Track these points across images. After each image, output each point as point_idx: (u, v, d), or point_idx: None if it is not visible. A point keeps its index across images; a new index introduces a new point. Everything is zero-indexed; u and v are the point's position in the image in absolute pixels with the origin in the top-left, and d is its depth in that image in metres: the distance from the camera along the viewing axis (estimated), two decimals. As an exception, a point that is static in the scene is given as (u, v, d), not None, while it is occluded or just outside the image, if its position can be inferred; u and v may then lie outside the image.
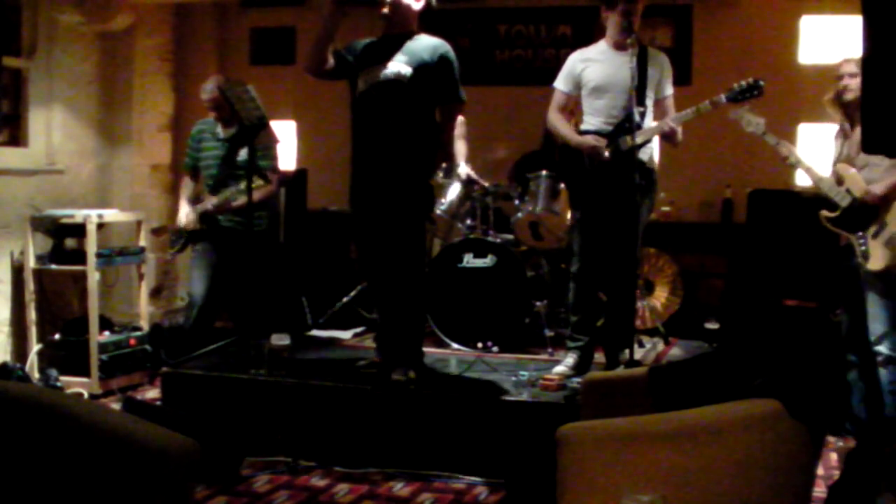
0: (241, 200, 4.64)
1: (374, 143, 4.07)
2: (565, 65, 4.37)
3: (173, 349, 5.21)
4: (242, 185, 4.61)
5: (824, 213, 4.10)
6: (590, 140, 4.18)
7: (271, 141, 4.85)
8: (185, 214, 5.09)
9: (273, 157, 5.02)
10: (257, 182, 4.68)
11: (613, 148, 4.13)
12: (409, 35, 4.09)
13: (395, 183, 4.03)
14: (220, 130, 5.11)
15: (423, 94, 4.01)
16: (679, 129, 4.10)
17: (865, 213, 3.95)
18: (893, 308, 3.94)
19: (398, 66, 3.99)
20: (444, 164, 4.93)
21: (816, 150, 4.39)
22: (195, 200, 5.13)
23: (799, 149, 5.88)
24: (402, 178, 4.03)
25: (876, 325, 4.00)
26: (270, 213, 5.24)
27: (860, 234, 3.98)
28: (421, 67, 3.99)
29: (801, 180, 5.94)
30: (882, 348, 3.97)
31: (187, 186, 5.23)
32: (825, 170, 4.19)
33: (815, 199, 4.33)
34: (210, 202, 4.94)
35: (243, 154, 4.93)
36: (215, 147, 5.09)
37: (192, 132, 5.26)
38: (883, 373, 3.98)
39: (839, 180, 4.06)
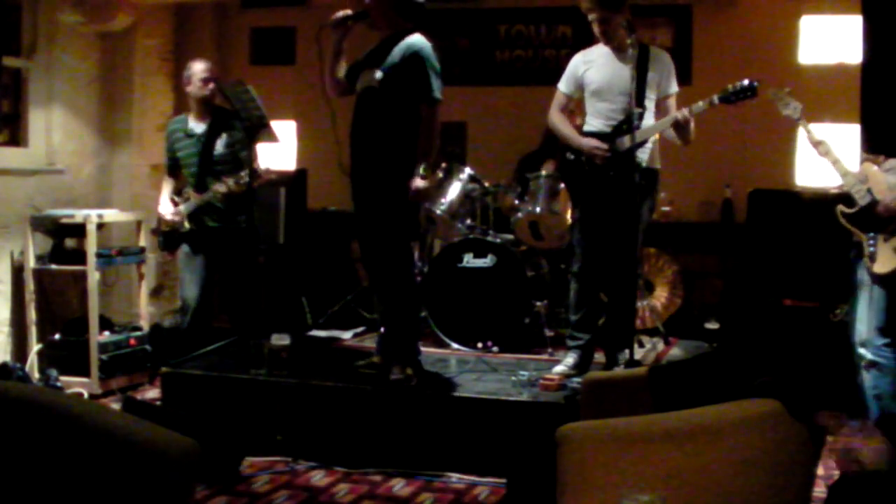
0: (244, 182, 4.65)
1: (353, 148, 4.14)
2: (568, 66, 4.39)
3: (173, 349, 5.21)
4: (243, 173, 4.62)
5: (841, 208, 4.05)
6: (591, 142, 4.19)
7: (271, 139, 4.84)
8: (168, 211, 4.99)
9: (252, 151, 4.82)
10: (243, 178, 4.63)
11: (611, 150, 4.14)
12: (397, 36, 4.09)
13: (374, 186, 4.08)
14: (192, 126, 4.97)
15: (396, 96, 4.02)
16: (692, 123, 4.08)
17: (881, 215, 3.91)
18: (884, 314, 3.93)
19: (374, 71, 4.03)
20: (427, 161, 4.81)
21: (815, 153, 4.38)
22: (178, 199, 5.04)
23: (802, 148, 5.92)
24: (381, 180, 4.06)
25: (861, 327, 3.98)
26: (249, 212, 4.98)
27: (871, 234, 3.94)
28: (391, 70, 4.00)
29: (802, 180, 5.97)
30: (866, 352, 3.95)
31: (168, 184, 5.13)
32: (853, 165, 4.12)
33: (815, 199, 4.32)
34: (220, 186, 4.75)
35: (219, 147, 4.89)
36: (189, 145, 4.96)
37: (166, 132, 5.17)
38: (866, 376, 3.96)
39: (864, 178, 4.01)
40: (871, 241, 3.94)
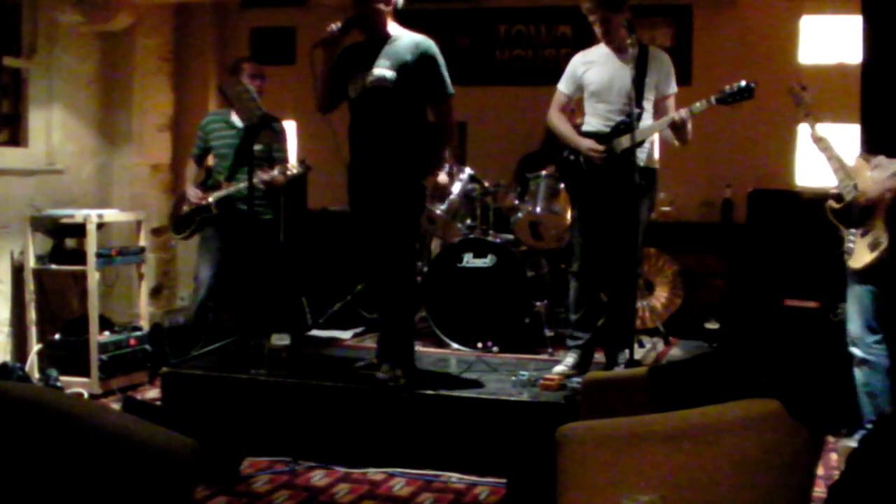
0: (285, 176, 4.91)
1: (365, 149, 4.10)
2: (568, 66, 4.40)
3: (175, 347, 5.23)
4: (291, 166, 4.89)
5: (831, 203, 4.09)
6: (588, 142, 4.21)
7: (279, 138, 4.90)
8: (196, 195, 5.15)
9: (284, 150, 5.18)
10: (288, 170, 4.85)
11: (608, 150, 4.15)
12: (389, 36, 4.08)
13: (387, 185, 4.06)
14: (234, 119, 5.14)
15: (408, 95, 4.02)
16: (690, 124, 4.08)
17: (862, 210, 3.95)
18: (868, 311, 3.95)
19: (382, 70, 4.01)
20: (447, 163, 4.72)
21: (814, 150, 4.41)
22: (204, 188, 5.18)
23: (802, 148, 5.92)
24: (393, 180, 4.05)
25: (851, 326, 4.01)
26: (274, 206, 5.29)
27: (853, 230, 3.98)
28: (403, 69, 3.99)
29: (802, 180, 5.96)
30: (856, 350, 3.98)
31: (192, 171, 5.34)
32: (849, 162, 4.15)
33: (815, 199, 4.32)
34: (264, 175, 4.92)
35: (258, 144, 5.00)
36: (229, 136, 5.15)
37: (202, 122, 5.36)
38: (858, 373, 3.98)
39: (853, 175, 4.04)
40: (851, 237, 3.98)
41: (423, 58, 4.02)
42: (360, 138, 4.13)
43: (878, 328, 3.95)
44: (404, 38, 4.07)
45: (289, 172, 4.90)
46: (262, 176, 4.89)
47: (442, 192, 4.33)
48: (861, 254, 3.92)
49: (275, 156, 5.05)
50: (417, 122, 4.09)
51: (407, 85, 4.00)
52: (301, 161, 4.97)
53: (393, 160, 4.05)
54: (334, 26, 4.03)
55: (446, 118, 4.16)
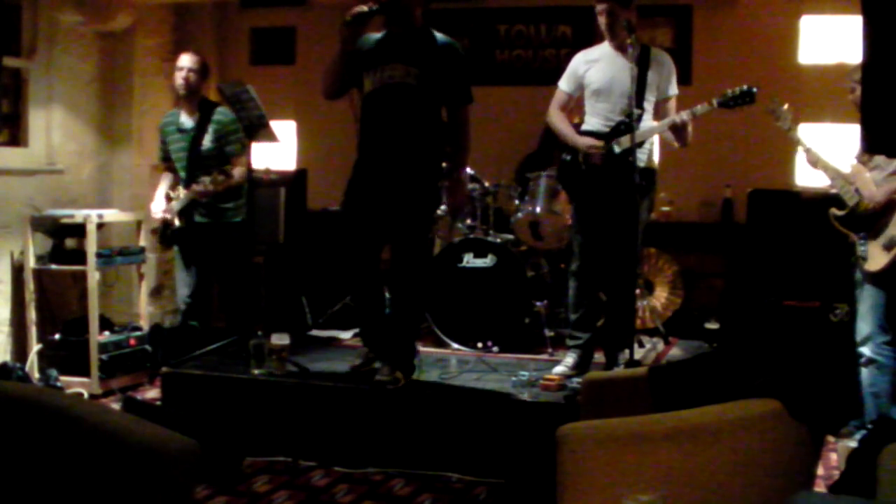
0: (222, 185, 4.67)
1: (381, 146, 4.01)
2: (570, 65, 4.38)
3: (172, 349, 5.21)
4: (217, 174, 4.64)
5: (833, 211, 4.10)
6: (587, 141, 4.20)
7: (270, 140, 4.84)
8: (160, 209, 5.03)
9: (240, 142, 4.89)
10: (219, 177, 4.63)
11: (606, 151, 4.14)
12: (416, 32, 3.99)
13: (403, 186, 3.99)
14: (183, 120, 5.01)
15: (430, 94, 3.94)
16: (690, 126, 4.08)
17: (869, 214, 3.95)
18: (882, 312, 3.95)
19: (405, 66, 3.91)
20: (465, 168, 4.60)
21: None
22: (169, 197, 5.08)
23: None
24: (409, 181, 3.99)
25: (862, 325, 4.02)
26: (246, 203, 5.01)
27: (862, 234, 3.99)
28: (429, 66, 3.91)
29: (802, 180, 5.96)
30: (865, 350, 3.99)
31: (166, 178, 5.21)
32: (846, 167, 4.16)
33: (815, 199, 4.33)
34: (192, 190, 4.81)
35: (207, 142, 4.90)
36: (180, 140, 5.02)
37: (160, 125, 5.24)
38: (864, 373, 4.00)
39: (852, 180, 4.05)
40: (862, 242, 3.98)
41: (452, 58, 3.95)
42: (375, 135, 4.02)
43: (889, 328, 3.96)
44: (434, 36, 3.99)
45: (217, 181, 4.67)
46: (195, 188, 4.75)
47: (462, 202, 4.39)
48: (877, 256, 3.91)
49: (226, 151, 4.87)
50: (436, 122, 4.02)
51: (430, 83, 3.91)
52: (221, 171, 4.65)
53: (412, 160, 3.97)
54: (364, 7, 3.81)
55: (465, 123, 4.09)
